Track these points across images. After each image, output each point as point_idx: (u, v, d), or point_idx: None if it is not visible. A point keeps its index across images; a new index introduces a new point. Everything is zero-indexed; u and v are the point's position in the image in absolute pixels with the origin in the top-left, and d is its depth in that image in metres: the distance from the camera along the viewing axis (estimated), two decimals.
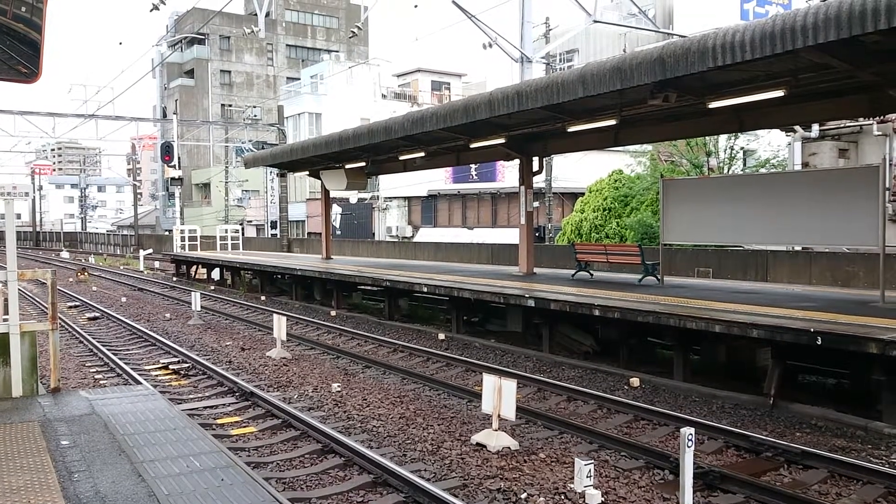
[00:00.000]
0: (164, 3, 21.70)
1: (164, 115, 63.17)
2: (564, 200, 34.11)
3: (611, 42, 41.29)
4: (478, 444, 7.54)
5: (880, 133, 18.27)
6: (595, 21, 21.98)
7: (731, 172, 23.63)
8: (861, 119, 17.86)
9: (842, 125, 18.84)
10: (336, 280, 19.42)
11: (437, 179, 37.72)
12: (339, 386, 10.38)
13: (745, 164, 26.43)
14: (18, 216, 60.43)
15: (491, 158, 21.60)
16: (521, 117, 13.59)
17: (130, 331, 15.95)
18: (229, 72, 65.57)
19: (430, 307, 18.37)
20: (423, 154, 18.76)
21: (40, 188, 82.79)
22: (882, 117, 17.36)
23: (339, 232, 43.85)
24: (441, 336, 14.51)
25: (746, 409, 8.93)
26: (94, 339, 14.60)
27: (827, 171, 15.51)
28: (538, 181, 24.57)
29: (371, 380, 10.97)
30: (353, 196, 43.58)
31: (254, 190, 54.09)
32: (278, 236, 38.08)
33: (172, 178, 37.92)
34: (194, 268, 31.05)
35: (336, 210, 43.70)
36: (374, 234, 43.77)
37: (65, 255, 52.69)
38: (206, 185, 61.33)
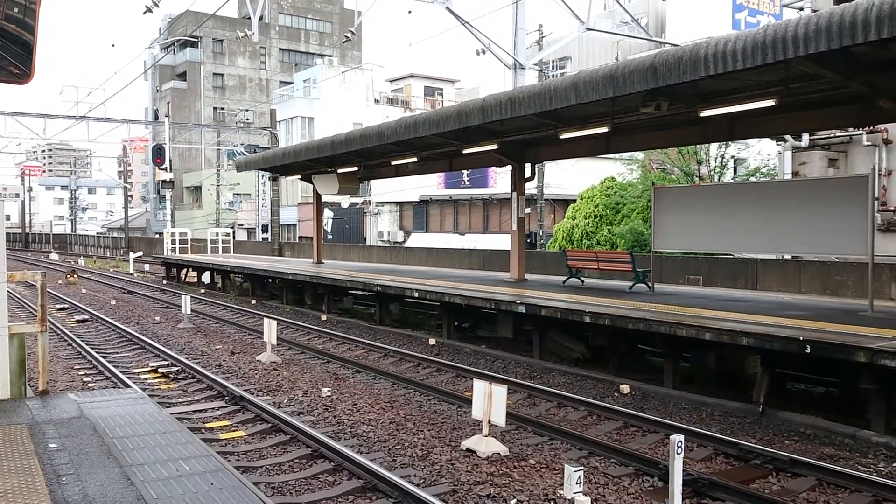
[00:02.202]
0: (158, 6, 21.63)
1: (156, 118, 62.97)
2: (556, 207, 34.20)
3: (604, 50, 41.53)
4: (468, 449, 7.54)
5: (870, 143, 18.39)
6: (588, 29, 22.09)
7: (721, 181, 23.74)
8: (851, 129, 17.98)
9: (832, 135, 18.96)
10: (327, 284, 19.38)
11: (430, 185, 37.78)
12: (329, 390, 10.36)
13: (735, 173, 26.59)
14: (8, 217, 60.16)
15: (483, 164, 21.62)
16: (513, 124, 13.63)
17: (120, 334, 15.87)
18: (222, 75, 65.48)
19: (421, 312, 18.36)
20: (415, 159, 18.77)
21: (30, 189, 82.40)
22: (871, 127, 17.48)
23: (330, 236, 43.79)
24: (432, 341, 14.50)
25: (736, 416, 8.96)
26: (82, 341, 14.52)
27: (817, 180, 15.61)
28: (530, 187, 24.59)
29: (361, 385, 10.96)
30: (345, 200, 43.56)
31: (245, 193, 53.97)
32: (269, 240, 38.00)
33: (163, 181, 37.86)
34: (185, 271, 30.94)
35: (328, 214, 43.67)
36: (365, 238, 43.73)
37: (54, 256, 52.42)
38: (198, 188, 61.15)
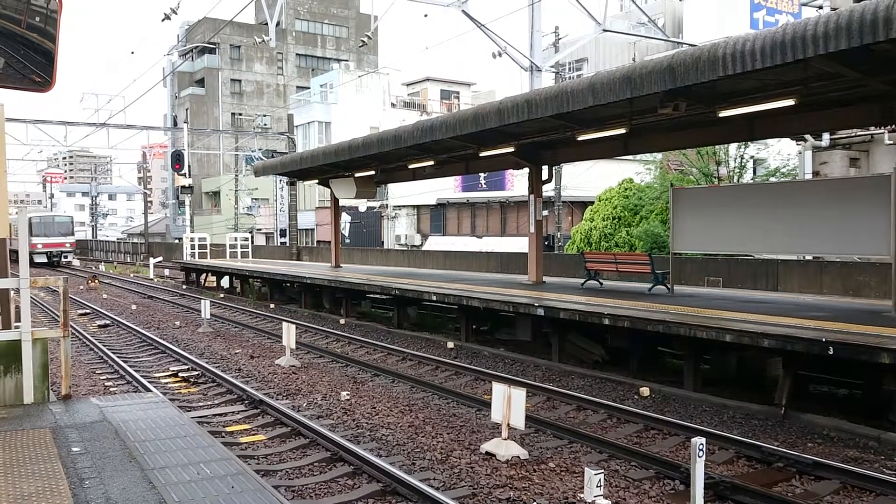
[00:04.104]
0: (176, 13, 21.85)
1: (175, 124, 63.53)
2: (574, 209, 34.09)
3: (620, 51, 41.38)
4: (487, 453, 7.53)
5: (892, 142, 18.17)
6: (604, 30, 22.03)
7: (741, 181, 23.56)
8: (872, 128, 17.77)
9: (853, 134, 18.76)
10: (345, 288, 19.44)
11: (447, 188, 37.76)
12: (348, 394, 10.38)
13: (755, 173, 26.37)
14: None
15: (500, 167, 21.61)
16: (530, 126, 13.60)
17: (140, 338, 16.01)
18: (239, 81, 65.96)
19: (440, 316, 18.36)
20: (432, 163, 18.79)
21: (52, 196, 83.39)
22: (893, 126, 17.24)
23: (348, 240, 43.92)
24: (450, 345, 14.50)
25: (757, 419, 8.88)
26: (104, 346, 14.66)
27: (838, 179, 15.45)
28: (547, 190, 24.57)
29: (380, 388, 10.97)
30: (363, 204, 43.67)
31: (263, 198, 54.28)
32: (288, 244, 38.19)
33: (183, 187, 38.14)
34: (204, 276, 31.16)
35: (345, 218, 43.79)
36: (382, 242, 43.81)
37: (75, 262, 52.93)
38: (216, 194, 61.59)
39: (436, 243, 39.35)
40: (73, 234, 48.63)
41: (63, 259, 46.61)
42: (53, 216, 49.08)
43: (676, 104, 10.46)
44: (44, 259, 45.12)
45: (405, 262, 29.08)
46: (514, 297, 13.67)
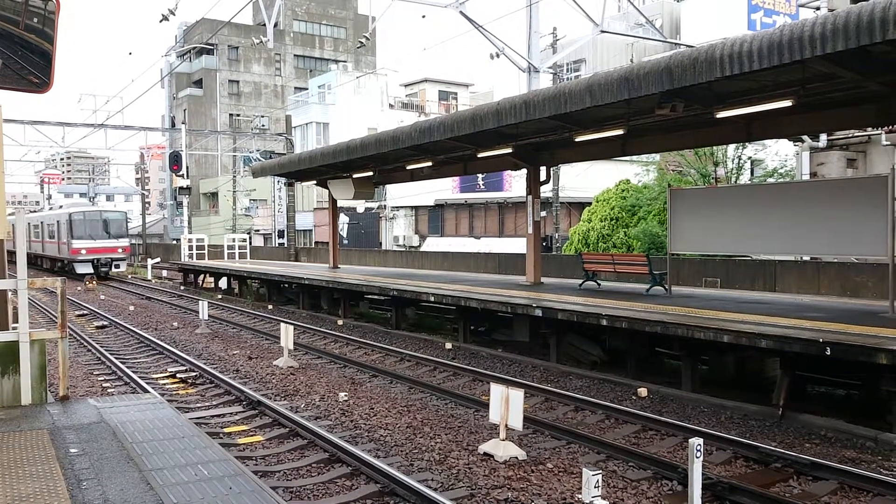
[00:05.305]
0: (174, 14, 21.86)
1: (173, 125, 63.44)
2: (571, 210, 34.11)
3: (618, 52, 41.39)
4: (485, 453, 7.53)
5: (889, 143, 18.21)
6: (602, 31, 22.05)
7: (738, 182, 23.58)
8: (870, 128, 17.81)
9: (850, 135, 18.80)
10: (343, 289, 19.43)
11: (445, 189, 37.76)
12: (346, 395, 10.38)
13: (752, 174, 26.41)
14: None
15: (498, 168, 21.61)
16: (528, 127, 13.61)
17: (138, 339, 15.99)
18: (237, 82, 65.90)
19: (437, 317, 18.36)
20: (430, 164, 18.80)
21: (49, 197, 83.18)
22: (890, 127, 17.30)
23: (346, 241, 43.92)
24: (448, 345, 14.50)
25: (755, 419, 8.89)
26: (102, 347, 14.64)
27: (835, 180, 15.47)
28: (545, 191, 24.57)
29: (378, 389, 10.97)
30: (361, 205, 43.66)
31: (261, 199, 54.26)
32: (286, 245, 38.17)
33: (180, 188, 38.12)
34: (202, 277, 31.14)
35: (343, 219, 43.78)
36: (381, 243, 43.82)
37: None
38: (214, 195, 61.53)
39: (434, 244, 39.36)
40: (126, 234, 37.72)
41: (114, 268, 36.19)
42: (101, 212, 37.86)
43: (674, 105, 10.48)
44: (88, 269, 34.73)
45: (403, 262, 29.08)
46: (512, 298, 13.67)
